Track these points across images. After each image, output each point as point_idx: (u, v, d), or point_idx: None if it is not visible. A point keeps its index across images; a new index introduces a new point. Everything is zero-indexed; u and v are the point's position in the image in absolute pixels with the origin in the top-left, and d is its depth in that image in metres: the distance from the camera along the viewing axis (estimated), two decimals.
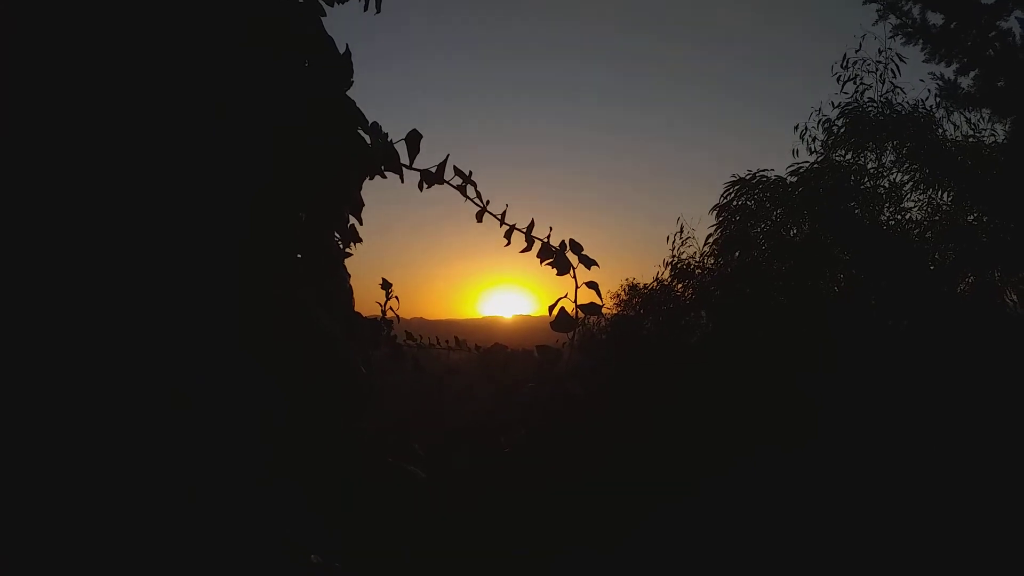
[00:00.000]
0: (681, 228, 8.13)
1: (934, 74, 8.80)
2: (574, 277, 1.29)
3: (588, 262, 1.30)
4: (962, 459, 5.10)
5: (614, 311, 8.83)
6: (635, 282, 9.02)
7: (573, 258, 1.30)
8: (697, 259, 7.92)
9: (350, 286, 1.26)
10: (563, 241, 1.34)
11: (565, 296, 1.27)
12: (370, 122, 1.26)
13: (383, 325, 1.66)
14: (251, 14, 1.00)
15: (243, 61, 1.00)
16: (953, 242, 6.76)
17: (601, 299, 1.28)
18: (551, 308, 1.28)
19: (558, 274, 1.30)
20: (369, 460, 1.25)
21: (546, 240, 1.35)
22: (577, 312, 1.26)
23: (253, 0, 1.01)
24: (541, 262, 1.35)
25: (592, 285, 1.28)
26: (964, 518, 4.69)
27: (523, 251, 1.38)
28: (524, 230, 1.38)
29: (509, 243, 1.39)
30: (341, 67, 1.18)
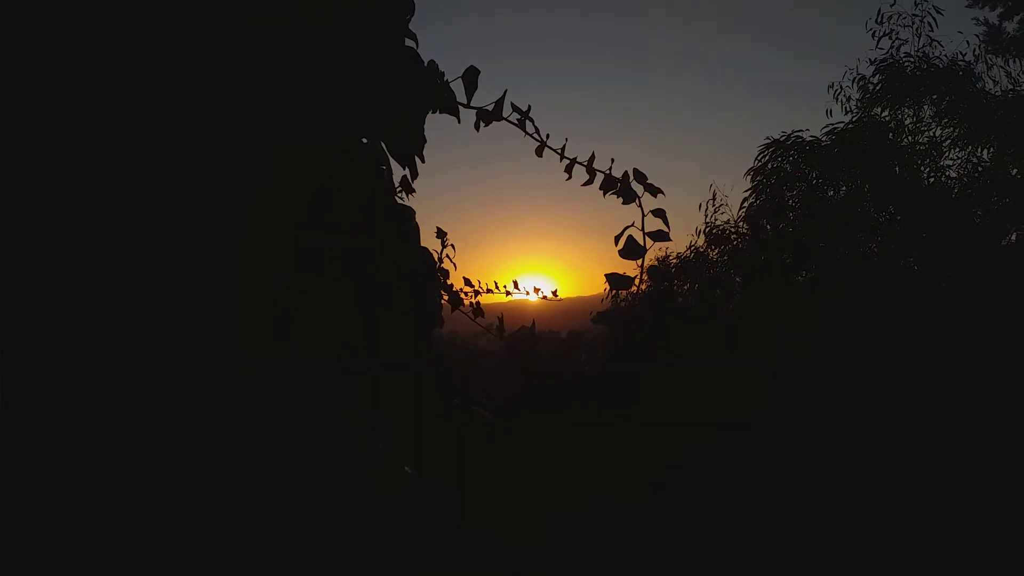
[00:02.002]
0: (714, 195, 8.04)
1: (977, 19, 8.54)
2: (640, 206, 1.28)
3: (654, 190, 1.29)
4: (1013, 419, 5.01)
5: (647, 285, 8.75)
6: (667, 252, 8.92)
7: (638, 187, 1.29)
8: (732, 225, 7.83)
9: (416, 224, 1.26)
10: (626, 172, 1.32)
11: (632, 224, 1.26)
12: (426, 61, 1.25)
13: (440, 273, 1.67)
14: None
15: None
16: (996, 195, 6.60)
17: (668, 226, 1.27)
18: (617, 238, 1.27)
19: (624, 203, 1.29)
20: (438, 399, 1.27)
21: (608, 172, 1.34)
22: (645, 240, 1.25)
23: None
24: (604, 194, 1.34)
25: (659, 213, 1.26)
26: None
27: (585, 184, 1.37)
28: (585, 163, 1.36)
29: (570, 177, 1.38)
30: None
